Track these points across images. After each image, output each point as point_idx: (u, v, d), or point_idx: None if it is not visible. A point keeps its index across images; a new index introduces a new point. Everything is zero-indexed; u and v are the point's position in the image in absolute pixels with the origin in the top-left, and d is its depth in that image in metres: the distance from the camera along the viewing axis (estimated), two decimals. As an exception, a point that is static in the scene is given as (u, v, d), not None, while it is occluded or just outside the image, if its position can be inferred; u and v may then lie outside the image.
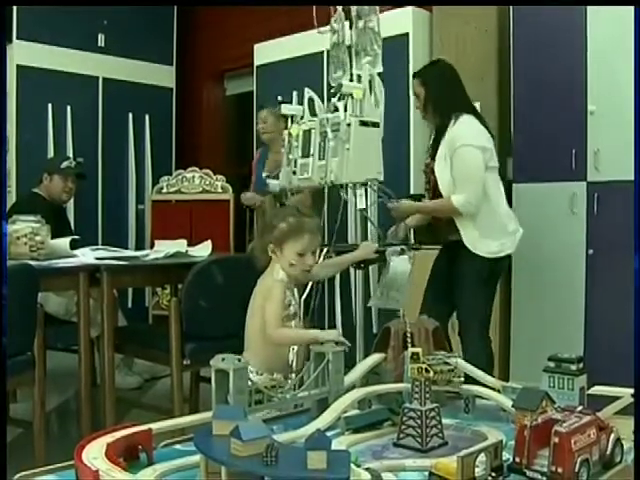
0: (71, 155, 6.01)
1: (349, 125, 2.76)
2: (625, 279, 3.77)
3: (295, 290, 2.73)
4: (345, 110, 2.85)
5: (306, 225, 2.63)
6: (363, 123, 2.81)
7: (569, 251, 4.01)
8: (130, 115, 6.52)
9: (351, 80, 3.07)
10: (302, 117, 3.22)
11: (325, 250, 3.05)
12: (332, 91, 2.95)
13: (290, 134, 3.14)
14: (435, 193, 3.55)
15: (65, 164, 4.72)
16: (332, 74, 3.18)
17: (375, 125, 2.87)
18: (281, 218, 2.66)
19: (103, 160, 6.34)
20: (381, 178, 2.98)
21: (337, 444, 1.72)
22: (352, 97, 2.81)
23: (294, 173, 3.06)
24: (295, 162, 3.07)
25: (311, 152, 2.95)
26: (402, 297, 2.94)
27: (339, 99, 2.91)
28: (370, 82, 2.92)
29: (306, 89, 3.24)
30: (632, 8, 3.55)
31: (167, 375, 3.57)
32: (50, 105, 5.95)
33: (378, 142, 2.92)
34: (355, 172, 2.79)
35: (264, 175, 5.02)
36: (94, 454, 1.49)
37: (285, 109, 3.24)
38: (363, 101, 2.86)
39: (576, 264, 3.97)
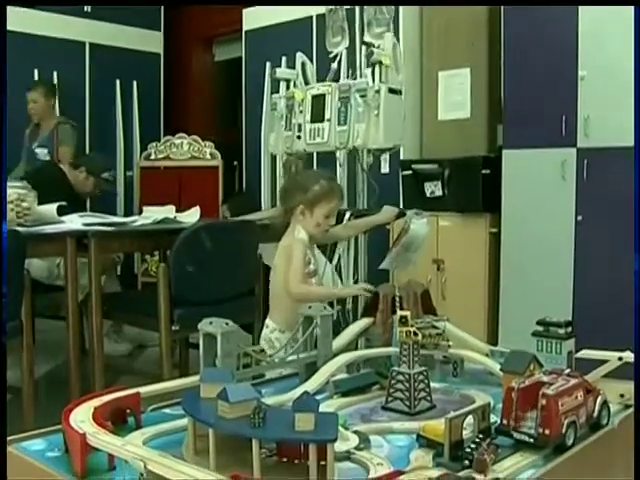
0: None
1: (377, 92, 2.80)
2: (613, 245, 3.79)
3: (315, 249, 2.82)
4: (373, 77, 2.88)
5: (336, 189, 2.75)
6: (391, 90, 2.86)
7: (558, 217, 4.01)
8: (118, 81, 6.46)
9: (349, 46, 3.11)
10: (295, 81, 3.21)
11: (349, 213, 3.14)
12: (370, 58, 2.94)
13: (292, 98, 3.11)
14: None
15: (106, 175, 4.84)
16: (330, 39, 3.19)
17: (400, 92, 2.92)
18: (314, 181, 2.74)
19: (90, 126, 6.28)
20: (401, 143, 3.03)
21: (325, 407, 1.72)
22: (381, 64, 2.83)
23: (298, 138, 3.06)
24: (299, 127, 3.07)
25: (326, 117, 2.97)
26: (415, 257, 3.00)
27: (369, 66, 2.91)
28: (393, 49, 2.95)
29: (299, 54, 3.24)
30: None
31: (156, 345, 3.57)
32: (36, 71, 5.88)
33: (402, 109, 2.97)
34: (384, 138, 2.84)
35: (35, 146, 5.35)
36: (81, 417, 1.49)
37: (280, 73, 3.23)
38: (390, 69, 2.90)
39: (565, 230, 3.98)
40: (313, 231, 2.73)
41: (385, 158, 3.01)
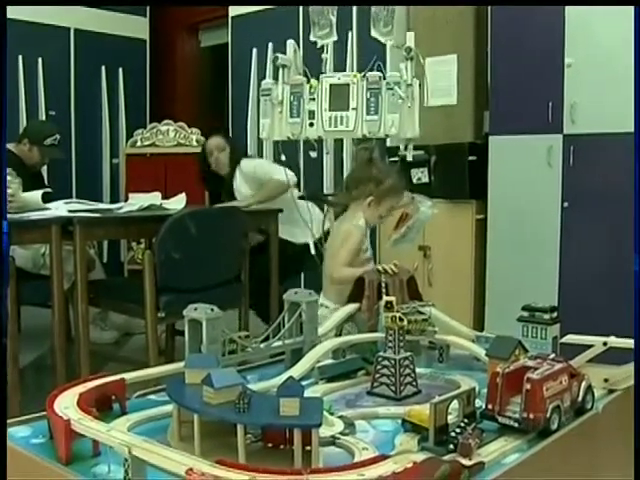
0: (43, 108, 5.93)
1: (409, 85, 2.92)
2: (599, 231, 3.80)
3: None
4: (406, 71, 2.99)
5: (402, 184, 2.90)
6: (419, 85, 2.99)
7: (545, 203, 4.02)
8: (103, 67, 6.41)
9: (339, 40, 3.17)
10: (290, 68, 3.24)
11: None
12: (406, 54, 3.02)
13: (300, 85, 3.15)
14: None
15: (49, 141, 4.63)
16: (316, 32, 3.22)
17: (420, 86, 3.05)
18: (387, 175, 2.88)
19: (76, 113, 6.24)
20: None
21: (311, 393, 1.73)
22: (412, 60, 2.94)
23: (311, 125, 3.15)
24: (312, 114, 3.16)
25: (351, 106, 3.09)
26: (417, 238, 3.15)
27: (404, 61, 2.99)
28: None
29: (290, 41, 3.26)
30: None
31: (143, 332, 3.56)
32: (21, 57, 5.83)
33: (422, 101, 3.11)
34: (419, 128, 2.98)
35: None
36: (66, 404, 1.48)
37: (282, 59, 3.26)
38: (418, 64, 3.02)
39: (551, 216, 3.98)
40: (375, 221, 2.88)
41: (410, 148, 3.12)
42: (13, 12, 5.61)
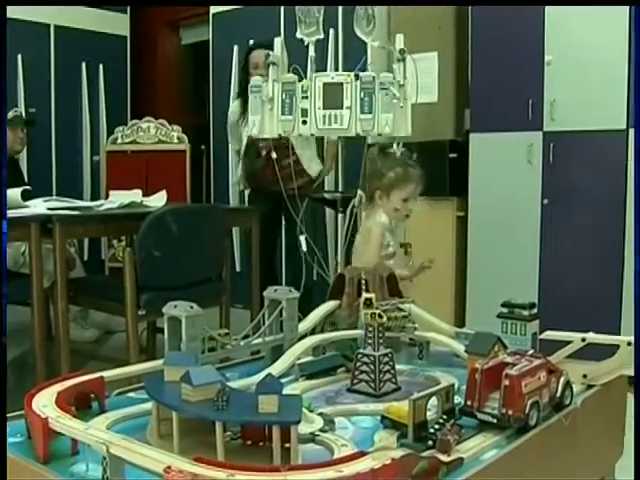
0: (23, 106, 5.89)
1: (402, 86, 2.96)
2: (578, 228, 3.82)
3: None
4: (399, 71, 3.02)
5: (412, 174, 2.90)
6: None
7: (525, 200, 4.03)
8: (83, 64, 6.36)
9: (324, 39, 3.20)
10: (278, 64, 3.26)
11: None
12: (399, 56, 3.05)
13: (292, 83, 3.18)
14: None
15: (11, 114, 4.56)
16: (303, 29, 3.23)
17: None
18: (389, 167, 2.92)
19: (56, 111, 6.18)
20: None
21: (291, 390, 1.73)
22: (404, 61, 2.97)
23: (304, 123, 3.18)
24: (304, 112, 3.19)
25: (345, 105, 3.14)
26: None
27: (396, 62, 3.02)
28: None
29: (277, 39, 3.27)
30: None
31: (123, 331, 3.54)
32: (0, 53, 5.78)
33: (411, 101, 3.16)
34: (411, 127, 3.03)
35: None
36: (44, 402, 1.48)
37: (272, 57, 3.27)
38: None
39: (531, 213, 4.00)
40: (392, 215, 2.90)
41: (400, 146, 3.16)
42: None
